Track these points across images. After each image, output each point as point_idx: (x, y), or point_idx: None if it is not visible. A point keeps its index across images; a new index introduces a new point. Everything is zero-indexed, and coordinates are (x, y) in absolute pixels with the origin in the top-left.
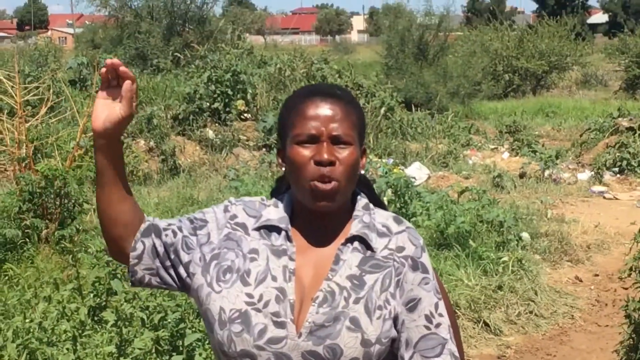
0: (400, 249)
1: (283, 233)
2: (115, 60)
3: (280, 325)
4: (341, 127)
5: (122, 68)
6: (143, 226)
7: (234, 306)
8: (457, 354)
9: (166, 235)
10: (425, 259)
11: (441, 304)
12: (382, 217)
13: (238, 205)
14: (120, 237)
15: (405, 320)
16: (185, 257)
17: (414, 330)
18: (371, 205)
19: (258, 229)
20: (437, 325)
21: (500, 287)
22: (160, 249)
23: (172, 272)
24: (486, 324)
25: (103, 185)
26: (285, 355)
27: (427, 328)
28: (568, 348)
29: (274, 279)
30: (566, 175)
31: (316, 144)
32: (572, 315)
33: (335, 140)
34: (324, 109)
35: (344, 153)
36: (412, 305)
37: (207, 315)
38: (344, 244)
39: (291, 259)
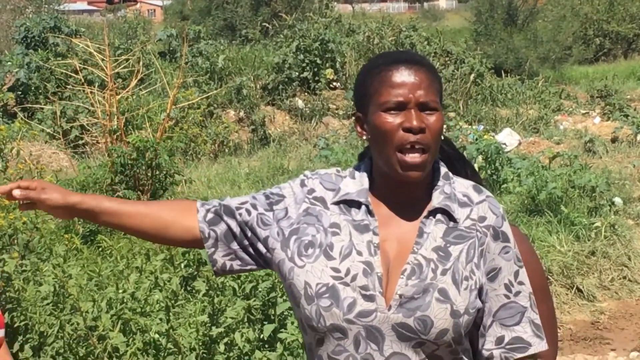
0: (482, 218)
1: (363, 207)
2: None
3: (370, 298)
4: (427, 93)
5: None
6: (205, 215)
7: (320, 280)
8: (537, 322)
9: (240, 214)
10: (506, 227)
11: (522, 271)
12: (462, 187)
13: (314, 178)
14: (178, 238)
15: (487, 290)
16: (262, 233)
17: (495, 299)
18: (450, 174)
19: (337, 203)
20: (517, 294)
21: (593, 253)
22: (236, 230)
23: (250, 250)
24: (579, 290)
25: (115, 224)
26: (376, 328)
27: (507, 297)
28: None
29: (360, 253)
30: None
31: (403, 111)
32: None
33: (423, 107)
34: (411, 76)
35: (431, 119)
36: (493, 274)
37: (291, 290)
38: (426, 217)
39: (375, 233)
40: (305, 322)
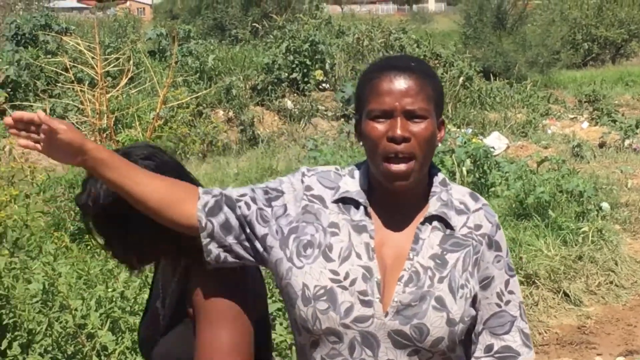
0: (478, 227)
1: (362, 208)
2: (17, 115)
3: (367, 304)
4: (415, 101)
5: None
6: (206, 203)
7: (318, 283)
8: (526, 331)
9: (239, 207)
10: (500, 236)
11: (512, 281)
12: (459, 194)
13: (312, 176)
14: (175, 220)
15: (480, 298)
16: (261, 231)
17: (486, 308)
18: (448, 180)
19: (337, 201)
20: (507, 303)
21: (580, 258)
22: (234, 222)
23: (247, 244)
24: (566, 294)
25: (119, 185)
26: (371, 334)
27: (498, 305)
28: None
29: (359, 256)
30: None
31: (390, 119)
32: None
33: (410, 115)
34: (398, 83)
35: (419, 127)
36: (485, 283)
37: (287, 290)
38: (422, 223)
39: (371, 236)
40: (300, 323)
